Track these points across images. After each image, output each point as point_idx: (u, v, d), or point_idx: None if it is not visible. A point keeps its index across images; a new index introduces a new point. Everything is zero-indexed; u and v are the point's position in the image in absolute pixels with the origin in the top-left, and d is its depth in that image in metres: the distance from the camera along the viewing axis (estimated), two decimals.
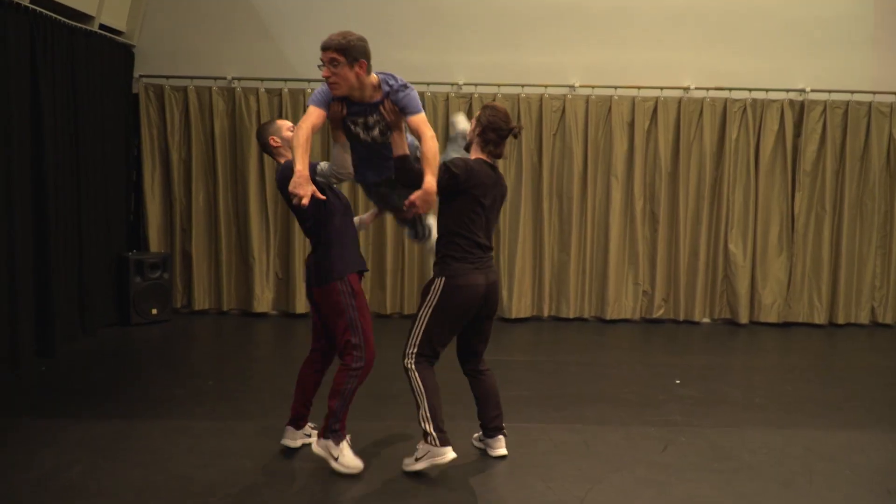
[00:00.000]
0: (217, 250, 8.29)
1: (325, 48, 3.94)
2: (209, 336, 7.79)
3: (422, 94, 7.27)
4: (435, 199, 3.95)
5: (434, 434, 4.25)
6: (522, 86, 8.16)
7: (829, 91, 8.23)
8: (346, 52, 3.91)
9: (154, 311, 7.81)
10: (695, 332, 8.11)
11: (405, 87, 4.05)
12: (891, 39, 8.20)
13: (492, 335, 4.63)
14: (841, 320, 8.41)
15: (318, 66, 3.98)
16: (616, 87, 8.20)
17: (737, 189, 8.34)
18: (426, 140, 3.96)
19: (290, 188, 3.77)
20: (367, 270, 4.65)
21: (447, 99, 8.09)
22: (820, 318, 8.41)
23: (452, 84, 8.14)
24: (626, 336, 7.93)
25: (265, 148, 4.50)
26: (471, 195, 4.27)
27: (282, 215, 8.28)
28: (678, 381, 6.23)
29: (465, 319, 4.37)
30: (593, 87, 8.19)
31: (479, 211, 4.31)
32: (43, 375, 6.06)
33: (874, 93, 8.22)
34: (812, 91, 8.25)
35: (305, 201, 3.73)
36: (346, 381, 4.30)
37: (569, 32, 8.16)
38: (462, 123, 4.74)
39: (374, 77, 4.05)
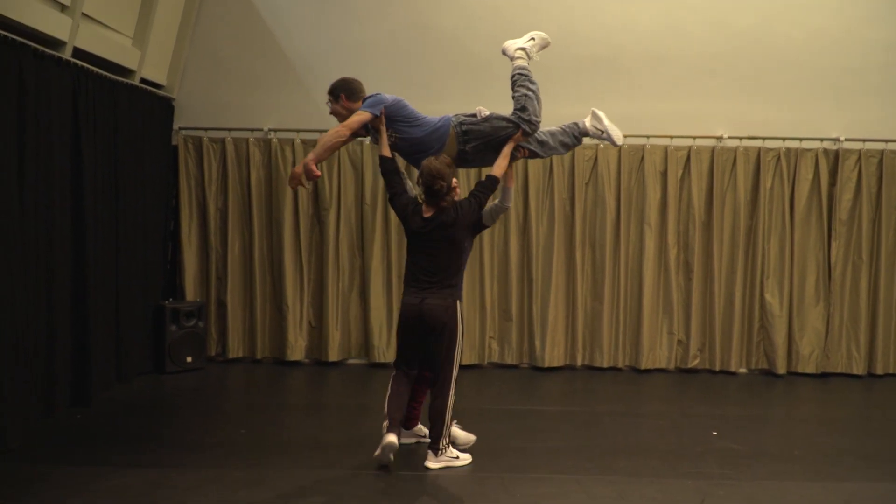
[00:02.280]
0: (251, 299, 8.36)
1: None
2: (242, 384, 7.82)
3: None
4: (300, 171, 5.11)
5: (384, 424, 5.17)
6: None
7: (864, 140, 8.18)
8: (332, 92, 5.38)
9: (189, 360, 7.86)
10: (731, 383, 7.98)
11: (366, 99, 5.24)
12: None
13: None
14: (880, 371, 8.22)
15: None
16: (648, 137, 8.22)
17: (772, 238, 8.27)
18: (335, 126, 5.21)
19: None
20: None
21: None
22: (858, 368, 8.24)
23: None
24: (661, 386, 7.83)
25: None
26: (407, 233, 5.27)
27: (315, 264, 8.36)
28: (715, 433, 6.12)
29: (409, 334, 5.22)
30: (626, 136, 8.19)
31: (413, 248, 5.23)
32: (77, 423, 6.11)
33: None
34: (846, 140, 8.21)
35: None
36: None
37: (601, 83, 8.21)
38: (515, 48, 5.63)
39: (360, 103, 5.26)
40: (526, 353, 8.38)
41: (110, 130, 6.97)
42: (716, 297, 8.25)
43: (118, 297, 7.11)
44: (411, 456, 5.38)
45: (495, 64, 8.15)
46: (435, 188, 5.05)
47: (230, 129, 8.30)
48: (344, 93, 5.29)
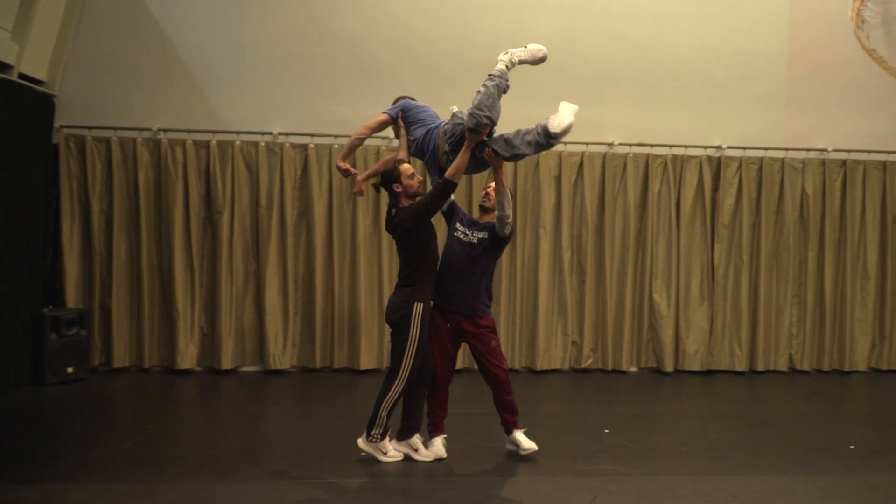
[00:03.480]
0: (139, 305, 8.04)
1: None
2: (129, 395, 7.50)
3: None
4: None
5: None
6: None
7: (745, 148, 8.58)
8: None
9: (70, 370, 7.49)
10: (623, 382, 8.20)
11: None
12: (802, 99, 8.61)
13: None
14: (761, 367, 8.63)
15: None
16: None
17: (660, 241, 8.55)
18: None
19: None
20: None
21: (378, 151, 8.10)
22: (741, 365, 8.62)
23: (385, 138, 8.05)
24: (556, 386, 7.97)
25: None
26: None
27: (207, 268, 8.12)
28: (607, 431, 6.27)
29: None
30: None
31: None
32: None
33: (787, 149, 8.60)
34: (728, 148, 8.58)
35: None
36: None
37: None
38: None
39: None
40: None
41: None
42: (608, 298, 8.47)
43: None
44: (306, 465, 5.30)
45: (390, 66, 8.17)
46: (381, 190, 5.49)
47: (116, 129, 7.98)
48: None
